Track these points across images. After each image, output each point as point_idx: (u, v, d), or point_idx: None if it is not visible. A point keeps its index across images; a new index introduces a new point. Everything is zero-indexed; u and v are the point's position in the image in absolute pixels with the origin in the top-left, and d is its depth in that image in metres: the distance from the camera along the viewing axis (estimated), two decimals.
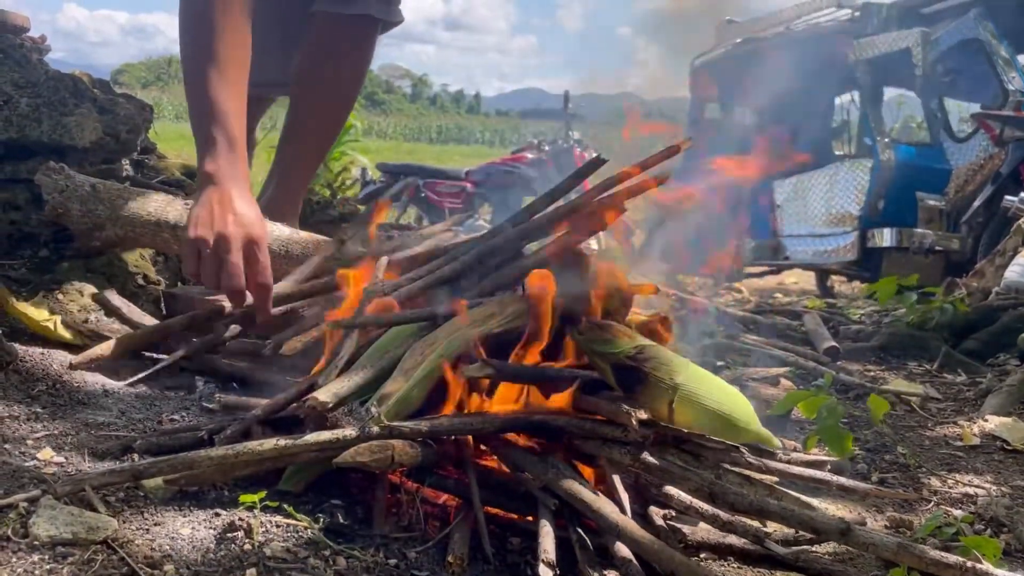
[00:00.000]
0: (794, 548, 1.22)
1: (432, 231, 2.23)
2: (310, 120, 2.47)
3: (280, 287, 1.78)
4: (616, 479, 1.21)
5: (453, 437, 1.25)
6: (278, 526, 1.14)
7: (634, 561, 1.09)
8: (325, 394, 1.21)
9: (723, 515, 1.15)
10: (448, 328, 1.37)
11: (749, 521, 1.18)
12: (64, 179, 2.10)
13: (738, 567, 1.23)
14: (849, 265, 6.27)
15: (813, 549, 1.25)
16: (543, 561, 1.06)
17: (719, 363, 2.33)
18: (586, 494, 1.16)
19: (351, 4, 2.38)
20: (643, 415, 1.18)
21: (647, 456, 1.19)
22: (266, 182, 2.52)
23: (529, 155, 9.18)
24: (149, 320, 1.93)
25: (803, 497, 1.24)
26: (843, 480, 1.27)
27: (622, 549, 1.10)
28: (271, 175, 2.50)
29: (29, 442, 1.33)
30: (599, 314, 1.40)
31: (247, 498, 1.15)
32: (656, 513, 1.22)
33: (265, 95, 2.78)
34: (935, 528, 1.34)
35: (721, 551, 1.24)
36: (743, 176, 1.83)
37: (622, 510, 1.16)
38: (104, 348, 1.72)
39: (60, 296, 2.00)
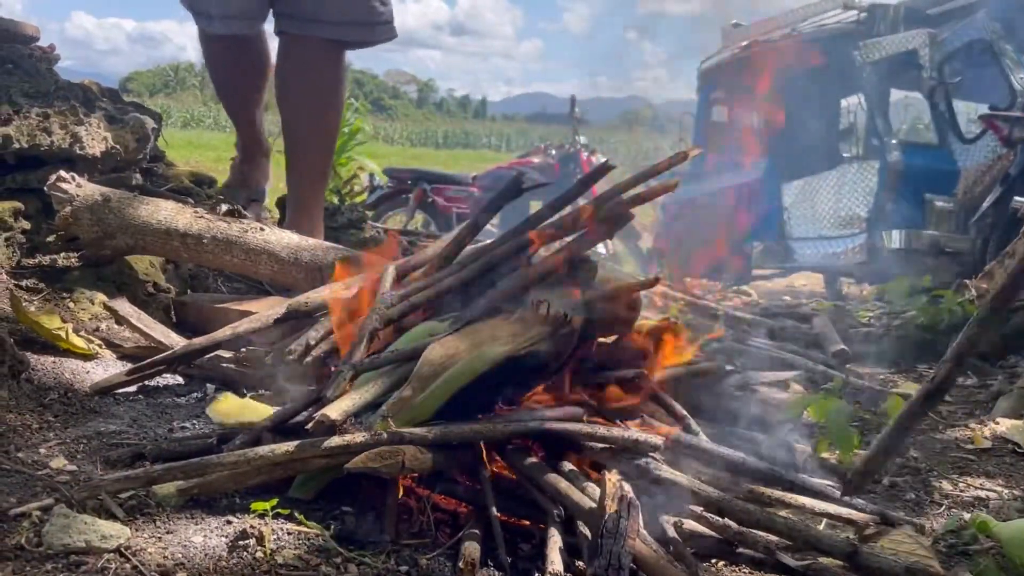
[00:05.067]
0: (807, 560, 1.21)
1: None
2: (300, 145, 2.67)
3: None
4: (627, 487, 1.21)
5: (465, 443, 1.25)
6: (289, 533, 1.14)
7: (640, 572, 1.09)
8: (335, 411, 1.20)
9: (734, 526, 1.15)
10: (472, 338, 1.31)
11: (759, 532, 1.18)
12: (74, 188, 2.11)
13: (749, 572, 1.23)
14: (858, 267, 6.24)
15: (823, 561, 1.24)
16: (551, 573, 1.06)
17: (728, 367, 2.32)
18: (590, 504, 1.15)
19: (313, 27, 2.54)
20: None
21: (658, 470, 1.19)
22: (287, 205, 2.74)
23: (536, 159, 9.17)
24: (160, 328, 1.94)
25: (817, 503, 1.24)
26: (841, 510, 1.26)
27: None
28: (288, 199, 2.72)
29: (42, 451, 1.34)
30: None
31: (259, 506, 1.15)
32: (667, 521, 1.22)
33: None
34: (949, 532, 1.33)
35: (733, 558, 1.24)
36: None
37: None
38: (121, 375, 1.71)
39: (71, 304, 2.01)
